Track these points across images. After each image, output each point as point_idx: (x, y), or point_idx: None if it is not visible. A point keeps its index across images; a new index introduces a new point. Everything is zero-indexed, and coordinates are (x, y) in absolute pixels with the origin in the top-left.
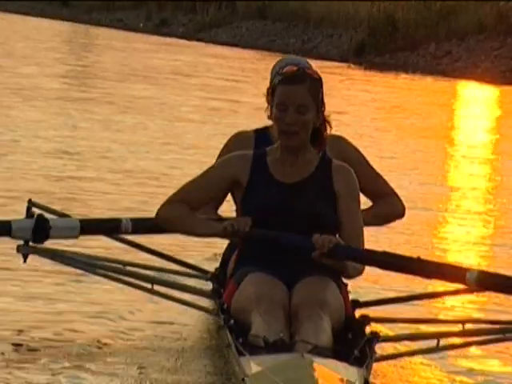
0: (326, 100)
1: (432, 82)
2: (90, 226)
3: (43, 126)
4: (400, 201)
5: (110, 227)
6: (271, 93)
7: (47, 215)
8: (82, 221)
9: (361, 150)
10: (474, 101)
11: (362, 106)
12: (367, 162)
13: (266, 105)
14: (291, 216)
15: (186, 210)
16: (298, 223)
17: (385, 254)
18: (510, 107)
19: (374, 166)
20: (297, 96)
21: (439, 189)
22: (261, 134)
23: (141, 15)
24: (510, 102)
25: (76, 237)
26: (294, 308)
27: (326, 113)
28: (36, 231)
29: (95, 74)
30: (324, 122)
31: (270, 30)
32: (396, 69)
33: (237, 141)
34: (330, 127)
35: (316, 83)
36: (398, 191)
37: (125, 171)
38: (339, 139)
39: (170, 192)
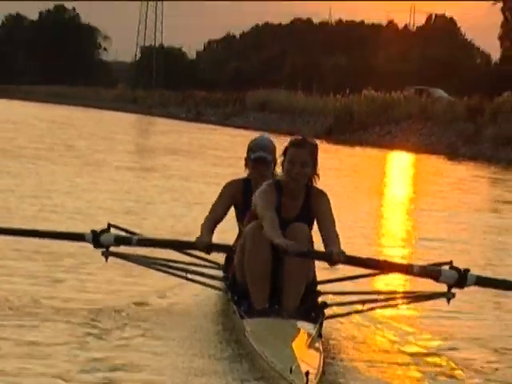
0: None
1: (377, 152)
2: (119, 240)
3: (106, 188)
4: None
5: (126, 241)
6: (283, 153)
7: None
8: (115, 237)
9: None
10: (406, 165)
11: (329, 169)
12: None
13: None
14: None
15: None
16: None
17: (366, 259)
18: (428, 168)
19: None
20: (301, 156)
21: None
22: (246, 181)
23: (183, 109)
24: (429, 165)
25: (114, 245)
26: (284, 276)
27: (318, 168)
28: (94, 240)
29: (151, 149)
30: (315, 173)
31: (268, 118)
32: (353, 144)
33: (230, 185)
34: (318, 178)
35: (314, 148)
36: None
37: (168, 227)
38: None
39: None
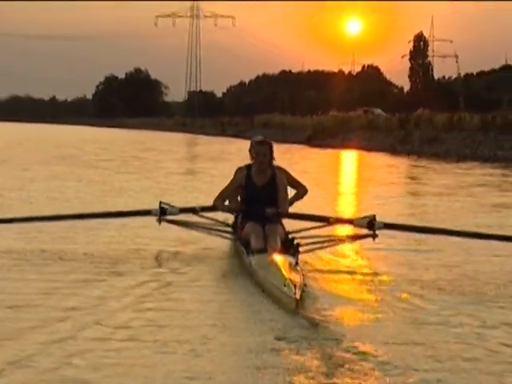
0: (291, 162)
1: (341, 151)
2: (185, 210)
3: (162, 188)
4: (305, 188)
5: (191, 210)
6: (252, 149)
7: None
8: (181, 209)
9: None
10: (360, 159)
11: (306, 164)
12: (291, 175)
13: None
14: (263, 199)
15: (222, 201)
16: (265, 202)
17: (299, 213)
18: (377, 161)
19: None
20: (262, 150)
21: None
22: (248, 166)
23: (214, 129)
24: (377, 158)
25: (177, 214)
26: (266, 233)
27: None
28: (161, 212)
29: (195, 157)
30: (272, 158)
31: (269, 132)
32: (325, 147)
33: (239, 169)
34: (275, 160)
35: (271, 145)
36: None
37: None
38: (280, 168)
39: None
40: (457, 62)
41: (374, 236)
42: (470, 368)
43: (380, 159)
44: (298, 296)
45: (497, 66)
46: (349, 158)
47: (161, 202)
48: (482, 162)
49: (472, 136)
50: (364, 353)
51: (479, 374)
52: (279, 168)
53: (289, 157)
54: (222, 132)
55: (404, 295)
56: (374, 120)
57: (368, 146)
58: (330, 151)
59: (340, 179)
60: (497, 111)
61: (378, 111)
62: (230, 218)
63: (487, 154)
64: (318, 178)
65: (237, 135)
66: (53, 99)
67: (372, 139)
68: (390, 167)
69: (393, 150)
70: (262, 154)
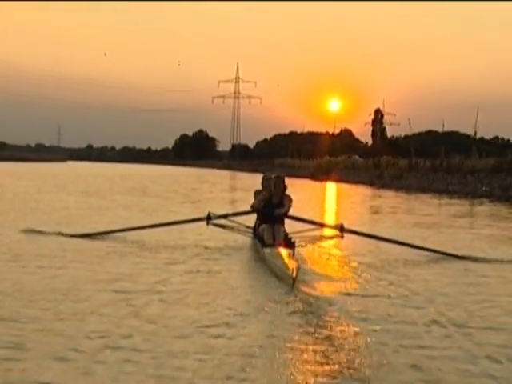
0: (301, 190)
1: (333, 184)
2: (221, 216)
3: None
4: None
5: (224, 215)
6: (271, 181)
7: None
8: (219, 215)
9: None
10: (346, 189)
11: (307, 193)
12: (290, 204)
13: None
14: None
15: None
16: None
17: (302, 218)
18: (359, 191)
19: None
20: (279, 182)
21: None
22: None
23: (249, 167)
24: (359, 189)
25: (217, 219)
26: (275, 232)
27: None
28: (208, 218)
29: (234, 188)
30: (285, 187)
31: (284, 170)
32: (323, 181)
33: (257, 191)
34: (286, 188)
35: (283, 178)
36: None
37: None
38: (288, 195)
39: None
40: (409, 124)
41: (342, 236)
42: (418, 317)
43: (363, 190)
44: (294, 275)
45: (424, 129)
46: (340, 188)
47: (209, 212)
48: (439, 194)
49: (426, 175)
50: (339, 310)
51: (430, 321)
52: (287, 195)
53: (298, 188)
54: (254, 170)
55: (365, 272)
56: (355, 163)
57: (353, 181)
58: (324, 183)
59: (336, 202)
60: (438, 158)
61: (357, 157)
62: (252, 223)
63: (441, 187)
64: (314, 199)
65: (264, 172)
66: (148, 149)
67: (355, 176)
68: (372, 196)
69: (371, 183)
70: (278, 183)
